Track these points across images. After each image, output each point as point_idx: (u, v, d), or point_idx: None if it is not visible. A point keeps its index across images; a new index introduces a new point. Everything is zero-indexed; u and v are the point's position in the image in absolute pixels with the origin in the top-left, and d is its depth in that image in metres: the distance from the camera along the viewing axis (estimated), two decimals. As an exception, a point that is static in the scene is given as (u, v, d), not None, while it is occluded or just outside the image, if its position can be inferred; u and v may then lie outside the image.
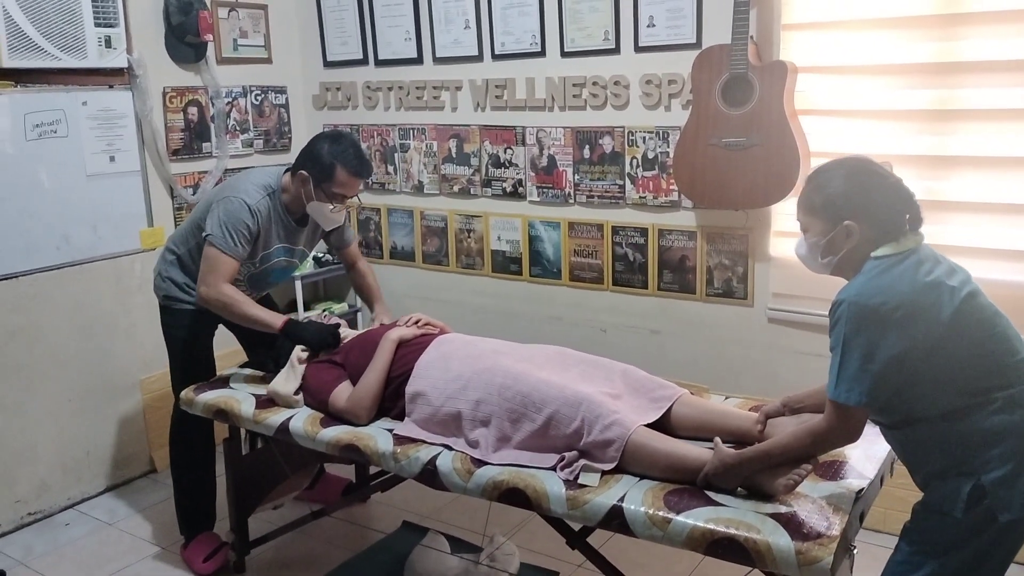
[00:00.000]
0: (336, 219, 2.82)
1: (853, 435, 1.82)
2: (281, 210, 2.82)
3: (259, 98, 4.07)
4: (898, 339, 1.71)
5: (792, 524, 1.82)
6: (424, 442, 2.34)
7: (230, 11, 3.89)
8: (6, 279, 3.20)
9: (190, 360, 2.95)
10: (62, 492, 3.44)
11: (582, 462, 2.10)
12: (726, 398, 2.54)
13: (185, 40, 3.66)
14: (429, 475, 2.25)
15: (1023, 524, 1.73)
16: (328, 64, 4.16)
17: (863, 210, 1.80)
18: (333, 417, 2.52)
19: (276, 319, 2.73)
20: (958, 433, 1.74)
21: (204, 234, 2.72)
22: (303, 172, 2.73)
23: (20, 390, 3.28)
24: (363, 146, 2.84)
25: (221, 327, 2.99)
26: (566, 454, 2.13)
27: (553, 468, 2.13)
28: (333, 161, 2.70)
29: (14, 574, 2.98)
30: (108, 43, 3.35)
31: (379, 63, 3.99)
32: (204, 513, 3.03)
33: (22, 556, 3.11)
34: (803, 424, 1.94)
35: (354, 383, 2.56)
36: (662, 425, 2.25)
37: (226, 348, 3.16)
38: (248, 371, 2.93)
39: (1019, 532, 1.76)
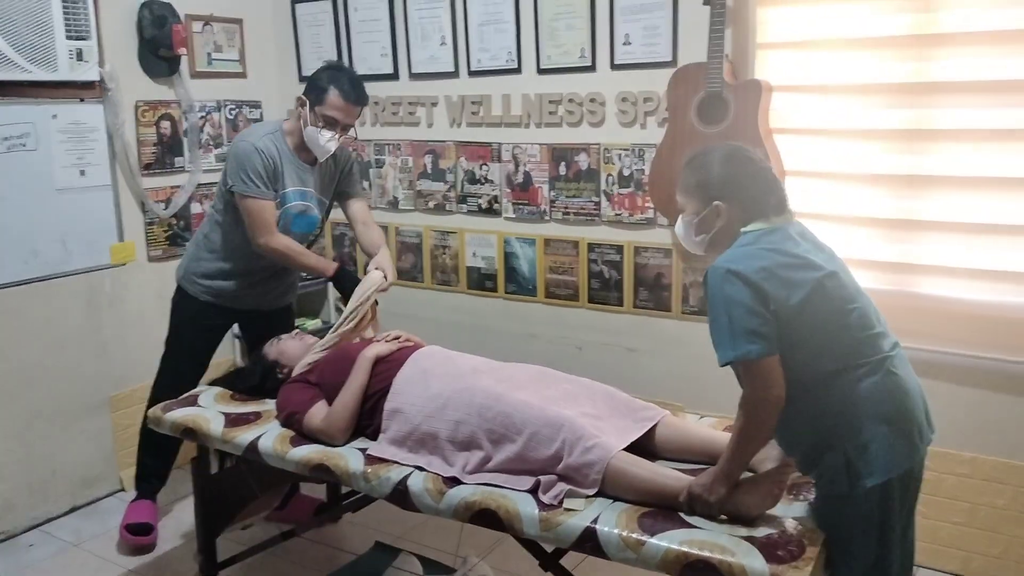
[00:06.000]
0: (328, 147, 2.90)
1: (769, 387, 1.81)
2: (288, 149, 2.93)
3: (233, 112, 4.03)
4: (759, 296, 1.80)
5: (767, 547, 1.81)
6: (396, 463, 2.31)
7: (204, 25, 3.86)
8: (-29, 294, 3.15)
9: (183, 348, 3.10)
10: (26, 512, 3.36)
11: (567, 486, 2.08)
12: (701, 416, 2.53)
13: (158, 53, 3.62)
14: (400, 496, 2.23)
15: (891, 486, 1.80)
16: (304, 79, 4.13)
17: (732, 192, 1.94)
18: (308, 438, 2.48)
19: (328, 267, 2.98)
20: (822, 405, 1.84)
21: (228, 187, 2.88)
22: (301, 97, 2.89)
23: (-16, 408, 3.21)
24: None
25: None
26: (541, 478, 2.11)
27: (530, 491, 2.11)
28: (328, 85, 2.84)
29: (-25, 597, 2.92)
30: (80, 56, 3.30)
31: (355, 78, 3.97)
32: (156, 476, 3.22)
33: (-17, 578, 3.05)
34: None
35: (330, 402, 2.53)
36: (644, 446, 2.23)
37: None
38: (218, 389, 2.89)
39: (891, 495, 1.82)
